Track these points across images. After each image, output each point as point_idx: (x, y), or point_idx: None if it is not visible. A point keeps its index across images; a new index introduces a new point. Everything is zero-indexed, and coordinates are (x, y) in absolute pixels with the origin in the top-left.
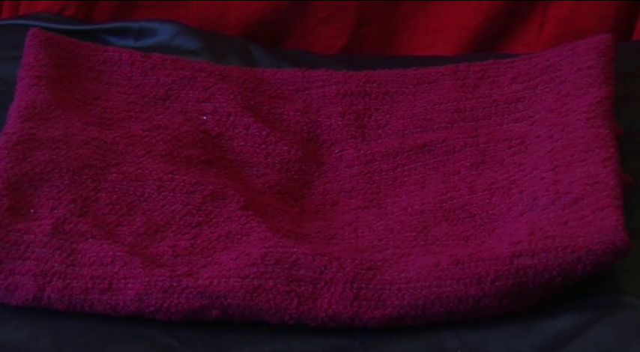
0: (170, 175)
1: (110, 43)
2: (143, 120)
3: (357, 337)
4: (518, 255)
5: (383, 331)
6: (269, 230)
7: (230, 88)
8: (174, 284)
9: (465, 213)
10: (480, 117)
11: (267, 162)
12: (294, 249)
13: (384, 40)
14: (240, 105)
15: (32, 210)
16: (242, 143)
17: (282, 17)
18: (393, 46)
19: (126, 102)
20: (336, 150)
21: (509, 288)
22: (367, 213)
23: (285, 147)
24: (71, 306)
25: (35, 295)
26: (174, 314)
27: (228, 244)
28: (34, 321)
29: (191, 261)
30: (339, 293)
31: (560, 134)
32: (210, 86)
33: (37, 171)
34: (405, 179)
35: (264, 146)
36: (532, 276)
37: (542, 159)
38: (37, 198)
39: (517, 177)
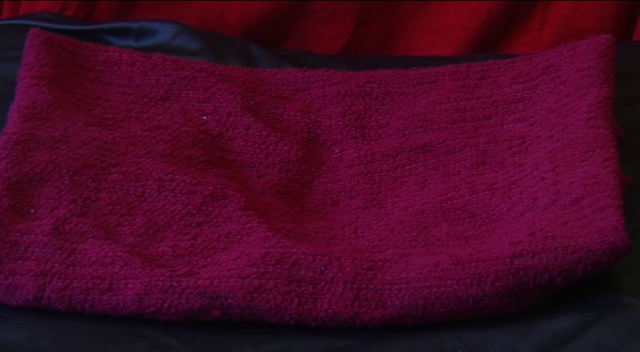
0: (170, 175)
1: (110, 43)
2: (143, 120)
3: (357, 337)
4: (518, 256)
5: (383, 331)
6: (269, 230)
7: (230, 88)
8: (175, 284)
9: (465, 213)
10: (480, 117)
11: (268, 162)
12: (295, 250)
13: (384, 40)
14: (241, 105)
15: (32, 210)
16: (242, 143)
17: (283, 17)
18: (393, 46)
19: (126, 103)
20: (337, 150)
21: (510, 288)
22: (367, 213)
23: (286, 148)
24: (71, 306)
25: (35, 295)
26: (175, 315)
27: (229, 244)
28: (34, 321)
29: (191, 261)
30: (339, 293)
31: (560, 134)
32: (211, 86)
33: (37, 171)
34: (406, 179)
35: (264, 146)
36: (532, 276)
37: (543, 160)
38: (37, 198)
39: (517, 177)
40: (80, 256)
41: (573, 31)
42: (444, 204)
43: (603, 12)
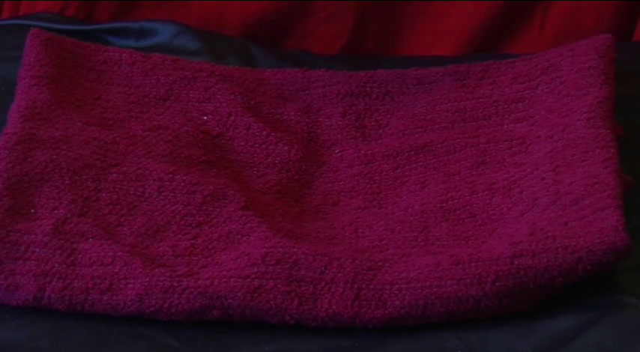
0: (170, 175)
1: (111, 43)
2: (144, 120)
3: (357, 337)
4: (518, 256)
5: (383, 331)
6: (269, 230)
7: (230, 88)
8: (175, 284)
9: (465, 213)
10: (480, 117)
11: (268, 162)
12: (295, 250)
13: (384, 40)
14: (241, 105)
15: (33, 210)
16: (242, 143)
17: (283, 17)
18: (393, 46)
19: (126, 103)
20: (337, 150)
21: (510, 288)
22: (368, 213)
23: (286, 148)
24: (71, 306)
25: (36, 295)
26: (175, 315)
27: (229, 244)
28: (34, 321)
29: (191, 261)
30: (339, 293)
31: (560, 134)
32: (211, 86)
33: (37, 171)
34: (406, 179)
35: (264, 146)
36: (532, 276)
37: (543, 160)
38: (37, 198)
39: (518, 177)
40: (80, 256)
41: (573, 31)
42: (444, 204)
43: (603, 12)
